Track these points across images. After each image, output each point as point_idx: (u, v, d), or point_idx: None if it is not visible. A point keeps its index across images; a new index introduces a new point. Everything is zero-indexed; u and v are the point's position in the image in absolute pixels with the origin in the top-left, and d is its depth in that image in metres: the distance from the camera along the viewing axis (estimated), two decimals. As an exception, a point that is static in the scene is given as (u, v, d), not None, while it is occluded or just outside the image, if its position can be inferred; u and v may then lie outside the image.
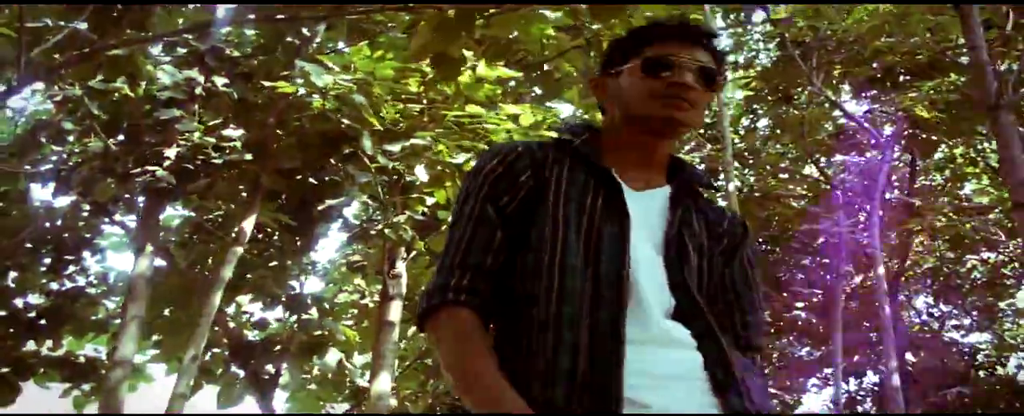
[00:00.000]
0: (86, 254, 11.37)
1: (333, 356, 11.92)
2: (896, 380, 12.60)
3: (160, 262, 10.18)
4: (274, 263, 11.61)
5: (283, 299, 11.85)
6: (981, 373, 19.26)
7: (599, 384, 1.47)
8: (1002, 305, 18.97)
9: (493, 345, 1.63)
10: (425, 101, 9.15)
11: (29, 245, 10.78)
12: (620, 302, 1.56)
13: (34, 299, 11.31)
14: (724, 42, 14.67)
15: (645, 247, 1.66)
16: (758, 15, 13.00)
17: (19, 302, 11.10)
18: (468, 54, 7.71)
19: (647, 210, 1.72)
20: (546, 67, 9.48)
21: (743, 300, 1.80)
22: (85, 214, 10.94)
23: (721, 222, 1.83)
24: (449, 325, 1.63)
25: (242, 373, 11.52)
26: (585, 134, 1.83)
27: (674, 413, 1.48)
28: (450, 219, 1.79)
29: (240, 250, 9.42)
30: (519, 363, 1.55)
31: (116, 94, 9.06)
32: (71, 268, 11.29)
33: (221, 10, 8.61)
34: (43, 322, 11.00)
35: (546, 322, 1.55)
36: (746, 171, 15.05)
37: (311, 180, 10.05)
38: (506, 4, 6.02)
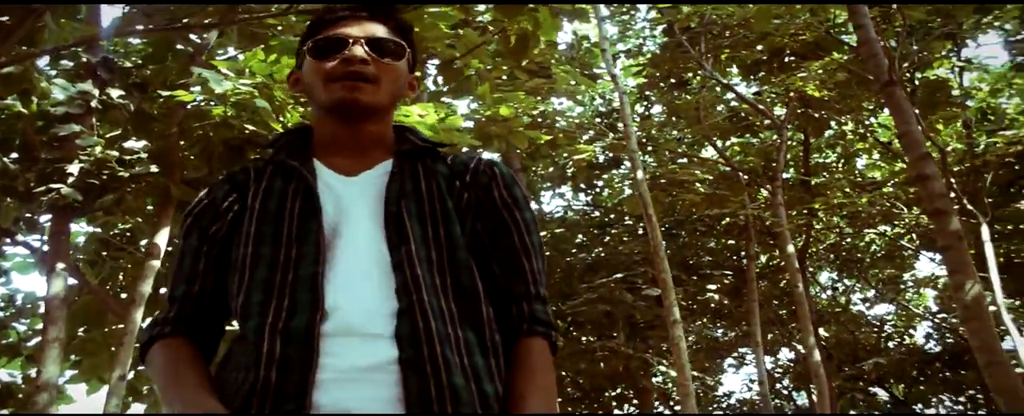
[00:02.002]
0: (-9, 277, 11.19)
1: (262, 366, 11.84)
2: (817, 356, 12.93)
3: (71, 281, 10.06)
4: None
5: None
6: (890, 344, 19.92)
7: (288, 389, 1.42)
8: (904, 276, 19.65)
9: (221, 361, 1.61)
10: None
11: (-71, 272, 10.57)
12: (316, 301, 1.50)
13: (-60, 326, 11.11)
14: (611, 30, 14.98)
15: (365, 233, 1.60)
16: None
17: (-76, 330, 10.89)
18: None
19: (364, 193, 1.66)
20: (455, 64, 9.61)
21: (501, 248, 1.70)
22: (-14, 236, 10.75)
23: (461, 176, 1.74)
24: (155, 358, 1.62)
25: (167, 389, 11.38)
26: (284, 138, 1.80)
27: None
28: None
29: (157, 264, 9.38)
30: (228, 379, 1.52)
31: (5, 112, 8.95)
32: (-24, 292, 11.10)
33: (107, 20, 8.55)
34: (-48, 349, 10.82)
35: (244, 336, 1.52)
36: (646, 157, 15.32)
37: (219, 189, 10.02)
38: (407, 4, 6.09)
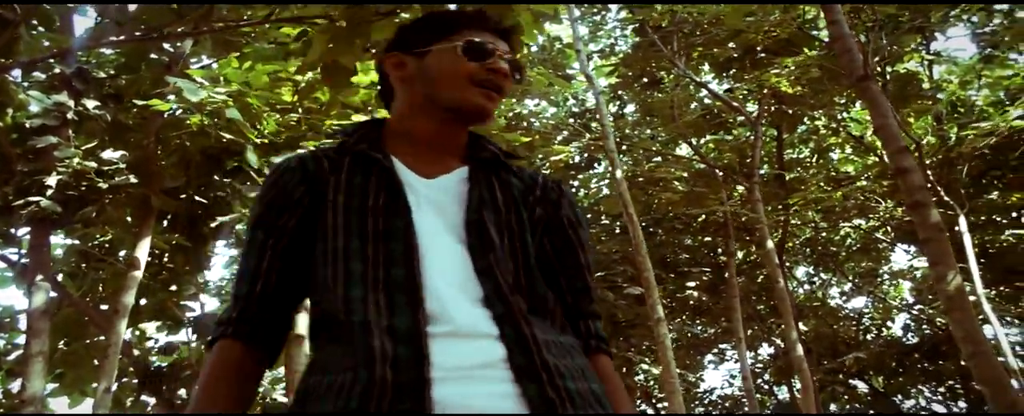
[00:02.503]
0: (-30, 292, 11.13)
1: (246, 375, 11.79)
2: (799, 350, 13.00)
3: (52, 293, 10.03)
4: (171, 286, 11.53)
5: (186, 321, 11.75)
6: (869, 336, 20.06)
7: (405, 388, 1.39)
8: (881, 269, 19.81)
9: (308, 364, 1.59)
10: (300, 110, 9.22)
11: (-94, 287, 10.50)
12: (415, 301, 1.49)
13: (-81, 343, 11.04)
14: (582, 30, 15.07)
15: (443, 237, 1.59)
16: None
17: (-96, 347, 10.82)
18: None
19: (443, 197, 1.65)
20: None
21: (568, 266, 1.73)
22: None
23: (532, 190, 1.75)
24: (211, 362, 1.60)
25: (153, 401, 11.38)
26: (362, 130, 1.76)
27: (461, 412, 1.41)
28: None
29: (139, 275, 9.37)
30: (323, 378, 1.48)
31: (-21, 125, 8.93)
32: (-46, 307, 11.03)
33: (79, 30, 8.54)
34: (-68, 365, 10.76)
35: (340, 335, 1.50)
36: (621, 156, 15.39)
37: (198, 198, 10.04)
38: (385, 7, 6.10)
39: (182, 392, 11.45)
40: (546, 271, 1.68)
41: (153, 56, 9.30)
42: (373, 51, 7.81)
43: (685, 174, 14.52)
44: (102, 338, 10.10)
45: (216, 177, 9.76)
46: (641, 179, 14.10)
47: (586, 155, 14.76)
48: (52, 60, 8.65)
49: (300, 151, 1.85)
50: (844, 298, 20.62)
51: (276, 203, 1.67)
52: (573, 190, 18.23)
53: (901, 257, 42.16)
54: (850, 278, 19.60)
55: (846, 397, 20.41)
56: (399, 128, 1.75)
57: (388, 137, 1.75)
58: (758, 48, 12.39)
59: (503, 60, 1.70)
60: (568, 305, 1.69)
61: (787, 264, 18.26)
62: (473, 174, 1.69)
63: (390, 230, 1.56)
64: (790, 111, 13.69)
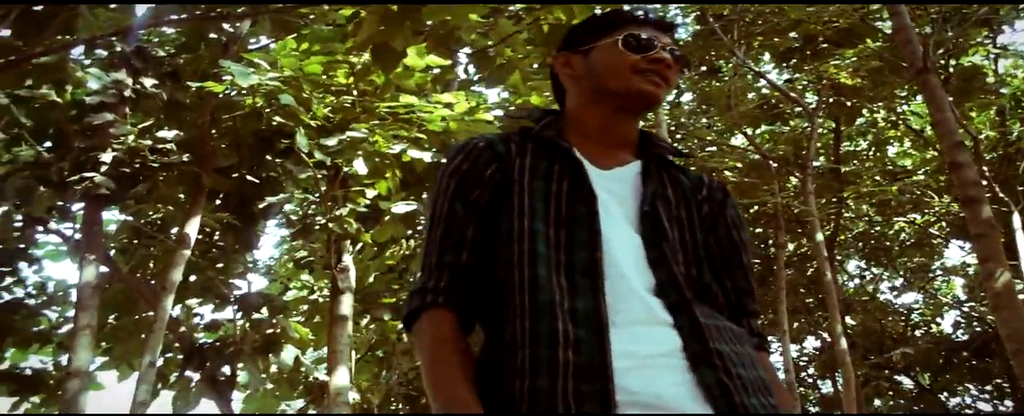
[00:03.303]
0: (22, 265, 11.24)
1: (288, 354, 11.87)
2: (844, 343, 12.87)
3: (103, 269, 10.10)
4: (219, 264, 11.57)
5: (232, 299, 11.80)
6: (917, 332, 19.78)
7: (586, 370, 1.44)
8: (933, 265, 19.50)
9: (484, 342, 1.64)
10: (355, 93, 9.17)
11: (-39, 259, 10.63)
12: (597, 286, 1.54)
13: (-28, 314, 11.15)
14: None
15: (621, 226, 1.64)
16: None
17: (-43, 317, 10.94)
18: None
19: (619, 188, 1.71)
20: (490, 53, 9.53)
21: (732, 265, 1.77)
22: (19, 224, 10.80)
23: (699, 189, 1.81)
24: (425, 331, 1.64)
25: (197, 376, 11.45)
26: (545, 118, 1.83)
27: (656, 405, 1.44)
28: (425, 224, 1.85)
29: (187, 253, 9.40)
30: (504, 358, 1.53)
31: (42, 100, 8.96)
32: (8, 280, 11.15)
33: (140, 10, 8.54)
34: (-16, 336, 10.88)
35: (523, 314, 1.53)
36: (675, 145, 15.22)
37: (249, 178, 10.04)
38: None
39: (225, 368, 11.51)
40: (711, 268, 1.73)
41: (212, 36, 9.28)
42: (424, 35, 7.79)
43: (739, 164, 14.33)
44: (150, 313, 10.15)
45: (268, 158, 9.75)
46: (693, 168, 13.91)
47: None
48: (112, 38, 8.67)
49: (485, 134, 1.85)
50: (895, 293, 20.30)
51: (470, 179, 1.73)
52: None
53: (955, 253, 41.51)
54: (901, 273, 19.31)
55: (890, 393, 20.18)
56: (572, 122, 1.82)
57: (566, 129, 1.81)
58: (819, 39, 12.15)
59: (665, 51, 1.77)
60: (732, 303, 1.75)
61: (838, 258, 18.03)
62: (646, 168, 1.76)
63: (574, 216, 1.62)
64: (849, 103, 13.43)
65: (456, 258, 1.69)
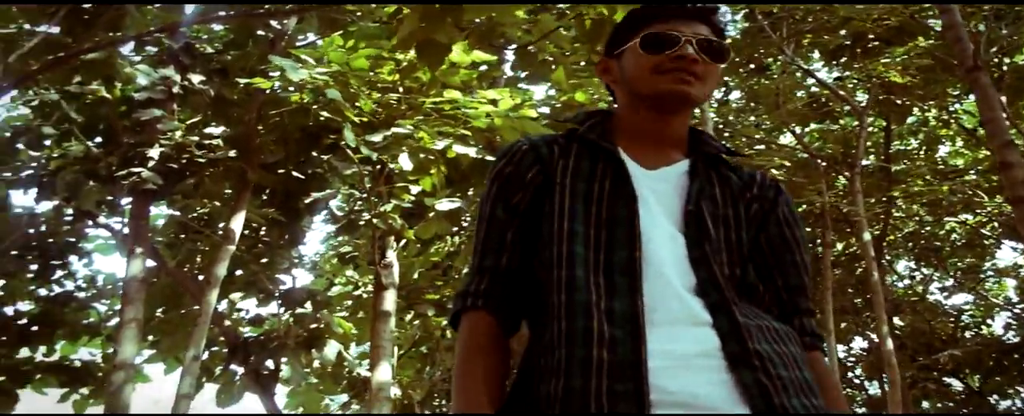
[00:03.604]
0: (73, 258, 11.40)
1: (331, 349, 11.92)
2: (890, 344, 12.69)
3: (150, 263, 10.21)
4: (264, 259, 11.65)
5: (276, 294, 11.87)
6: (967, 334, 19.44)
7: (622, 370, 1.44)
8: (984, 265, 19.15)
9: (527, 343, 1.65)
10: (401, 90, 9.17)
11: (14, 252, 10.78)
12: (634, 286, 1.54)
13: (24, 306, 11.34)
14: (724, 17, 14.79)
15: (663, 225, 1.63)
16: (727, -12, 13.05)
17: (9, 310, 11.12)
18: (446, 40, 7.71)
19: (664, 188, 1.70)
20: (531, 49, 9.48)
21: (784, 263, 1.75)
22: (69, 218, 10.95)
23: (750, 187, 1.78)
24: (463, 332, 1.67)
25: (241, 370, 11.54)
26: (591, 120, 1.82)
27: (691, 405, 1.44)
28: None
29: (232, 247, 9.47)
30: (542, 358, 1.55)
31: (91, 97, 9.07)
32: (59, 273, 11.32)
33: (189, 7, 8.61)
34: (35, 328, 11.04)
35: (560, 314, 1.54)
36: (723, 143, 15.09)
37: (295, 174, 10.09)
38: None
39: (269, 363, 11.58)
40: (761, 267, 1.73)
41: (260, 33, 9.33)
42: (466, 31, 7.76)
43: (787, 163, 14.15)
44: (196, 307, 10.25)
45: (314, 154, 9.79)
46: (739, 167, 13.75)
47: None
48: (161, 35, 8.76)
49: (531, 136, 1.85)
50: (945, 294, 19.96)
51: (512, 182, 1.75)
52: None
53: (1007, 254, 40.73)
54: (952, 274, 18.98)
55: (938, 395, 19.86)
56: (620, 124, 1.82)
57: (614, 130, 1.81)
58: (869, 36, 11.96)
59: (689, 45, 1.72)
60: (783, 301, 1.73)
61: (888, 258, 17.76)
62: (694, 167, 1.74)
63: (614, 217, 1.62)
64: (899, 101, 13.21)
65: (497, 261, 1.71)
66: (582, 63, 10.00)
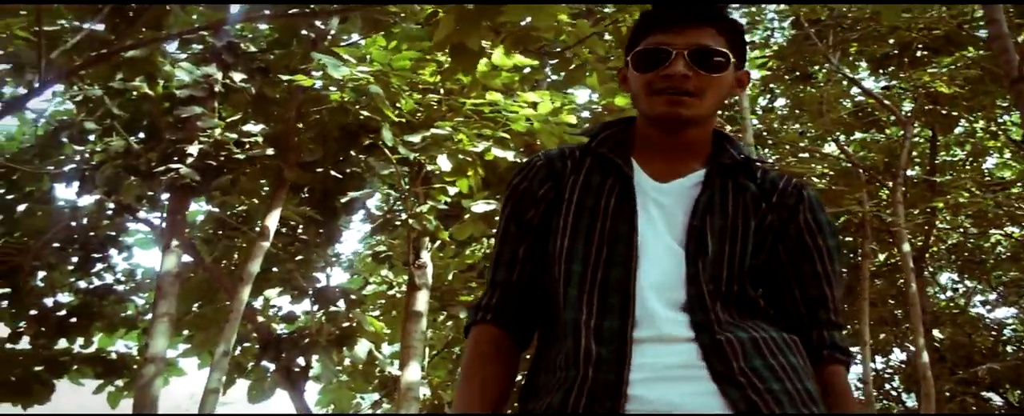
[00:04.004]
0: (113, 252, 11.51)
1: (363, 347, 11.92)
2: (925, 357, 12.52)
3: (186, 258, 10.27)
4: (299, 256, 11.68)
5: (310, 292, 11.90)
6: (1008, 348, 19.14)
7: (603, 389, 1.46)
8: (1030, 279, 18.81)
9: (533, 356, 1.68)
10: (442, 91, 9.16)
11: (56, 245, 10.90)
12: (627, 305, 1.54)
13: (63, 298, 11.46)
14: (737, 15, 14.62)
15: (665, 241, 1.62)
16: (772, -7, 12.93)
17: (49, 301, 11.24)
18: (485, 44, 7.67)
19: (673, 201, 1.68)
20: (567, 54, 9.43)
21: (802, 273, 1.70)
22: (110, 212, 11.05)
23: (769, 196, 1.73)
24: (469, 343, 1.72)
25: (272, 367, 11.57)
26: (607, 131, 1.80)
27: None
28: None
29: (266, 245, 9.50)
30: (539, 375, 1.59)
31: (135, 93, 9.13)
32: (99, 266, 11.42)
33: (234, 5, 8.65)
34: (73, 320, 11.15)
35: (556, 332, 1.58)
36: (766, 151, 14.95)
37: (333, 173, 10.10)
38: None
39: (300, 360, 11.60)
40: (779, 278, 1.70)
41: (304, 32, 9.36)
42: (501, 33, 7.73)
43: (829, 171, 13.99)
44: (229, 303, 10.30)
45: (352, 153, 9.79)
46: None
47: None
48: (205, 33, 8.81)
49: (549, 150, 1.85)
50: (988, 307, 19.64)
51: (525, 198, 1.76)
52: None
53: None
54: (994, 287, 18.67)
55: (975, 408, 19.54)
56: (638, 134, 1.79)
57: (635, 141, 1.78)
58: (917, 46, 11.78)
59: (680, 60, 1.65)
60: (800, 314, 1.69)
61: (930, 269, 17.51)
62: (709, 179, 1.70)
63: (616, 234, 1.62)
64: (945, 112, 13.00)
65: (508, 276, 1.74)
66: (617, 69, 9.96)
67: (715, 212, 1.66)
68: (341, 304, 11.75)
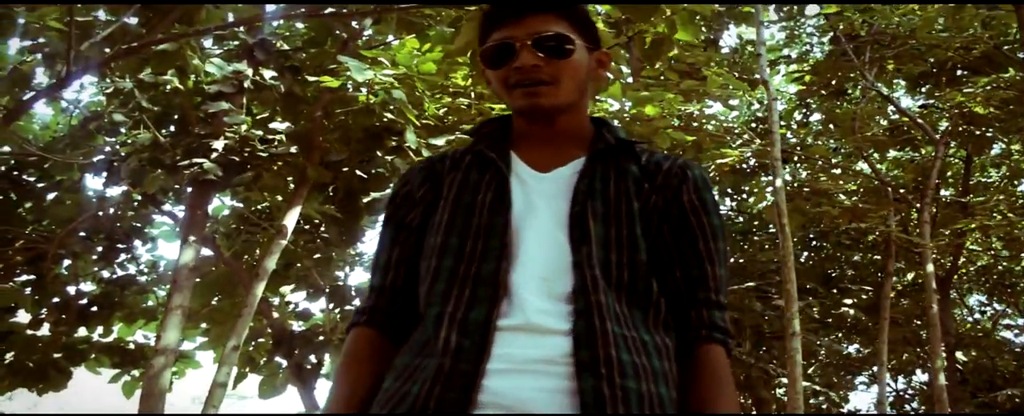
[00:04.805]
0: (137, 243, 11.57)
1: (374, 345, 11.86)
2: (943, 379, 12.38)
3: (206, 252, 10.29)
4: (318, 255, 11.68)
5: (327, 290, 11.91)
6: (1032, 373, 18.90)
7: (458, 378, 1.44)
8: (1058, 304, 18.58)
9: (400, 351, 1.65)
10: (472, 95, 9.13)
11: (82, 234, 10.96)
12: (495, 295, 1.53)
13: (86, 287, 11.55)
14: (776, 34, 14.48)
15: (546, 231, 1.60)
16: (811, 8, 12.84)
17: (72, 289, 11.32)
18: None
19: (555, 190, 1.66)
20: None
21: (684, 253, 1.67)
22: (136, 204, 11.10)
23: (653, 177, 1.71)
24: (344, 347, 1.72)
25: (285, 363, 11.58)
26: (485, 129, 1.81)
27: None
28: None
29: (284, 242, 9.49)
30: (401, 364, 1.57)
31: (166, 87, 9.16)
32: (122, 256, 11.50)
33: (271, 4, 8.65)
34: (95, 309, 11.21)
35: (423, 325, 1.57)
36: (798, 165, 14.84)
37: (357, 173, 10.09)
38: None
39: (312, 357, 11.60)
40: (662, 260, 1.65)
41: (338, 32, 9.36)
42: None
43: (858, 188, 13.86)
44: (247, 297, 10.31)
45: (377, 154, 9.77)
46: (806, 190, 13.49)
47: (758, 162, 14.25)
48: (239, 30, 8.81)
49: (433, 154, 1.91)
50: (1015, 332, 19.39)
51: (404, 202, 1.77)
52: (743, 196, 17.67)
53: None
54: (1022, 311, 18.44)
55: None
56: (515, 127, 1.78)
57: (514, 134, 1.77)
58: (955, 65, 11.65)
59: (526, 51, 1.66)
60: (681, 294, 1.65)
61: (958, 291, 17.32)
62: (589, 165, 1.68)
63: (491, 226, 1.60)
64: (980, 132, 12.84)
65: (383, 280, 1.74)
66: (661, 76, 9.88)
67: (597, 197, 1.64)
68: (356, 303, 11.74)
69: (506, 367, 1.46)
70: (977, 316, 19.83)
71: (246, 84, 9.08)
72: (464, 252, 1.59)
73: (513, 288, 1.54)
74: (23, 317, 11.00)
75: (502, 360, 1.46)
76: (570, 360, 1.46)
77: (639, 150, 1.77)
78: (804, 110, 15.28)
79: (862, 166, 15.29)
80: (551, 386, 1.44)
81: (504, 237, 1.59)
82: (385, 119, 8.71)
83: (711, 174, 14.66)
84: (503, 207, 1.62)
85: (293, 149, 9.24)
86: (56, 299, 11.08)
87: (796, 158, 14.62)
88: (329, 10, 7.39)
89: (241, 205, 11.09)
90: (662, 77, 9.70)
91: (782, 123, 12.03)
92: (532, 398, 1.42)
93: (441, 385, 1.44)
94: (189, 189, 9.69)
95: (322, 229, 11.40)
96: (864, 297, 16.41)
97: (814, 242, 16.56)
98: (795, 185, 13.56)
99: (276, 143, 9.17)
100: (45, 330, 11.02)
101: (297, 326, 12.31)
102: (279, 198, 10.72)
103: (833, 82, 13.15)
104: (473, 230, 1.61)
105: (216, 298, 11.57)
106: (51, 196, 10.86)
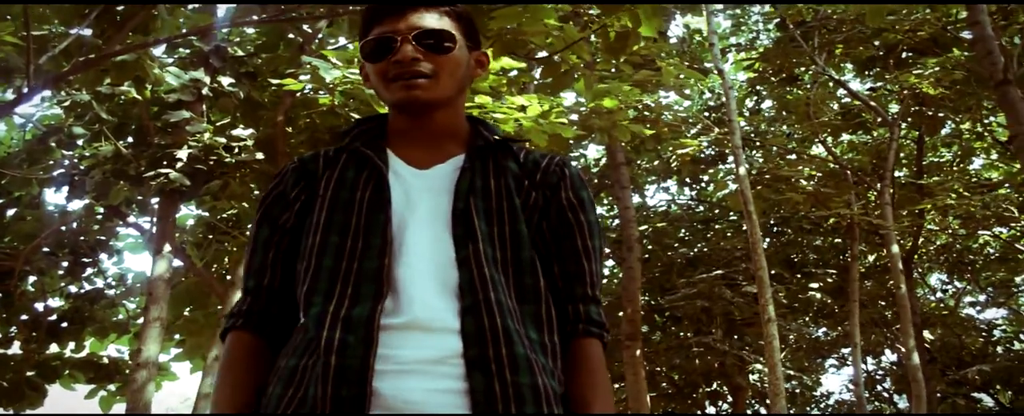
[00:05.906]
0: (103, 256, 11.53)
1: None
2: (916, 358, 12.56)
3: (177, 263, 10.29)
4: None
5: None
6: (999, 349, 19.21)
7: (349, 375, 1.43)
8: (1017, 280, 18.90)
9: (281, 352, 1.64)
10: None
11: (46, 250, 10.92)
12: (378, 292, 1.52)
13: (54, 302, 11.51)
14: (723, 23, 14.62)
15: (429, 228, 1.61)
16: (759, -4, 13.00)
17: (40, 306, 11.27)
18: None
19: (435, 186, 1.67)
20: (556, 59, 9.47)
21: (563, 250, 1.69)
22: (99, 217, 11.08)
23: (532, 174, 1.73)
24: (223, 351, 1.70)
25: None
26: (362, 126, 1.79)
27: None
28: None
29: (254, 248, 9.50)
30: (279, 368, 1.55)
31: (123, 97, 9.16)
32: (89, 271, 11.46)
33: (222, 10, 8.69)
34: (65, 325, 11.17)
35: (304, 325, 1.54)
36: (753, 153, 15.01)
37: (325, 176, 10.11)
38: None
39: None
40: (544, 256, 1.67)
41: (291, 36, 9.39)
42: (491, 39, 7.76)
43: (817, 173, 14.06)
44: (221, 308, 10.33)
45: (344, 155, 9.82)
46: (767, 176, 13.67)
47: (716, 150, 14.42)
48: (193, 38, 8.83)
49: (305, 154, 1.83)
50: (977, 308, 19.70)
51: (276, 202, 1.73)
52: (702, 184, 17.82)
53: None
54: (984, 288, 18.74)
55: (967, 409, 19.60)
56: (391, 125, 1.78)
57: (389, 132, 1.77)
58: (902, 48, 11.86)
59: (407, 45, 1.67)
60: (559, 289, 1.67)
61: (919, 271, 17.56)
62: (469, 162, 1.69)
63: (371, 224, 1.59)
64: (931, 113, 13.08)
65: (259, 281, 1.71)
66: (612, 70, 9.99)
67: (479, 194, 1.65)
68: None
69: (393, 368, 1.45)
70: (939, 295, 20.12)
71: (204, 92, 9.11)
72: (345, 250, 1.58)
73: (399, 285, 1.53)
74: (-8, 336, 10.97)
75: (388, 361, 1.45)
76: (460, 360, 1.47)
77: (516, 148, 1.78)
78: (755, 97, 15.46)
79: (818, 150, 15.53)
80: (442, 387, 1.44)
81: (386, 234, 1.58)
82: (351, 119, 8.76)
83: (673, 164, 14.87)
84: (382, 204, 1.62)
85: (259, 155, 9.26)
86: (25, 316, 11.03)
87: (753, 145, 14.80)
88: (280, 16, 7.41)
89: (207, 214, 11.09)
90: (614, 70, 9.82)
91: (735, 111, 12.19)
92: (422, 400, 1.43)
93: (333, 384, 1.42)
94: (155, 200, 9.70)
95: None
96: (829, 281, 16.63)
97: (775, 228, 16.74)
98: (754, 172, 13.76)
99: (240, 149, 9.20)
100: (16, 348, 10.97)
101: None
102: (246, 205, 10.74)
103: (783, 68, 13.31)
104: (353, 228, 1.60)
105: (188, 309, 11.57)
106: (11, 212, 10.80)
